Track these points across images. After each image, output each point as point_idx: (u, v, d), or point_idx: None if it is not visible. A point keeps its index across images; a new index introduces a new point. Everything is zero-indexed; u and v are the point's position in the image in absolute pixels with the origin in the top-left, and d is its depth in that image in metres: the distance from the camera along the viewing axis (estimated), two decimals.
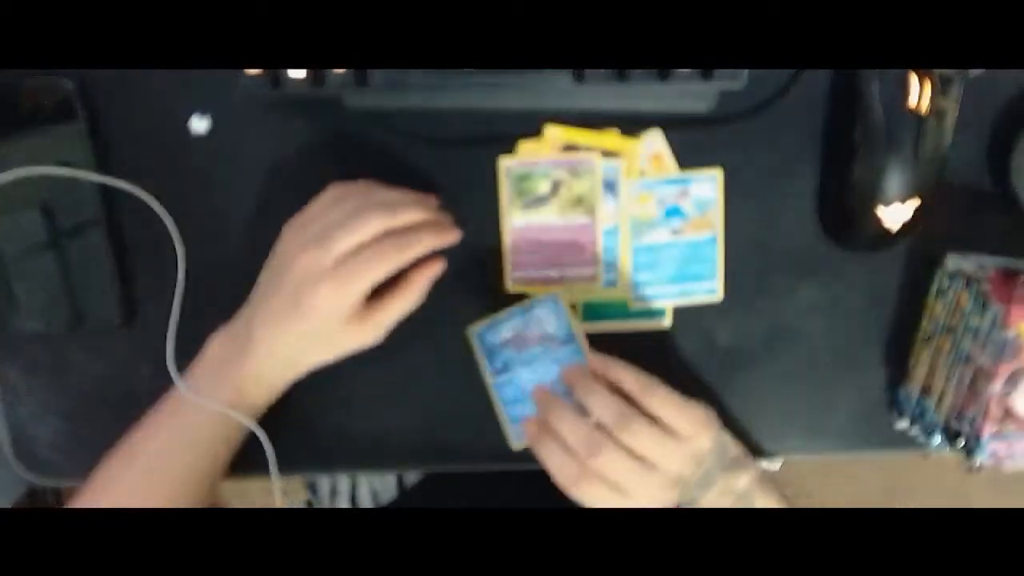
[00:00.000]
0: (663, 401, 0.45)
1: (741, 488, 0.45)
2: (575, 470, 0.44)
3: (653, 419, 0.45)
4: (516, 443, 0.51)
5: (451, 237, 0.46)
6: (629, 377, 0.46)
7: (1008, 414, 0.47)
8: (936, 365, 0.50)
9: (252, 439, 0.54)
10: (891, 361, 0.53)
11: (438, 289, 0.51)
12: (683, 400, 0.45)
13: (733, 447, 0.47)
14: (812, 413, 0.54)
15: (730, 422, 0.54)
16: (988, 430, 0.47)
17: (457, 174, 0.50)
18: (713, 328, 0.52)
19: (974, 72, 0.48)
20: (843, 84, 0.48)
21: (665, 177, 0.50)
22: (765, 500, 0.46)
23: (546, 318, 0.49)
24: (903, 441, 0.53)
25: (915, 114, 0.45)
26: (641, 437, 0.44)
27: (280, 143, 0.50)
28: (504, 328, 0.50)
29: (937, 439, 0.50)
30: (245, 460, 0.54)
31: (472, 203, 0.50)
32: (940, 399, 0.50)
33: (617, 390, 0.46)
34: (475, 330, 0.51)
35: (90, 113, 0.48)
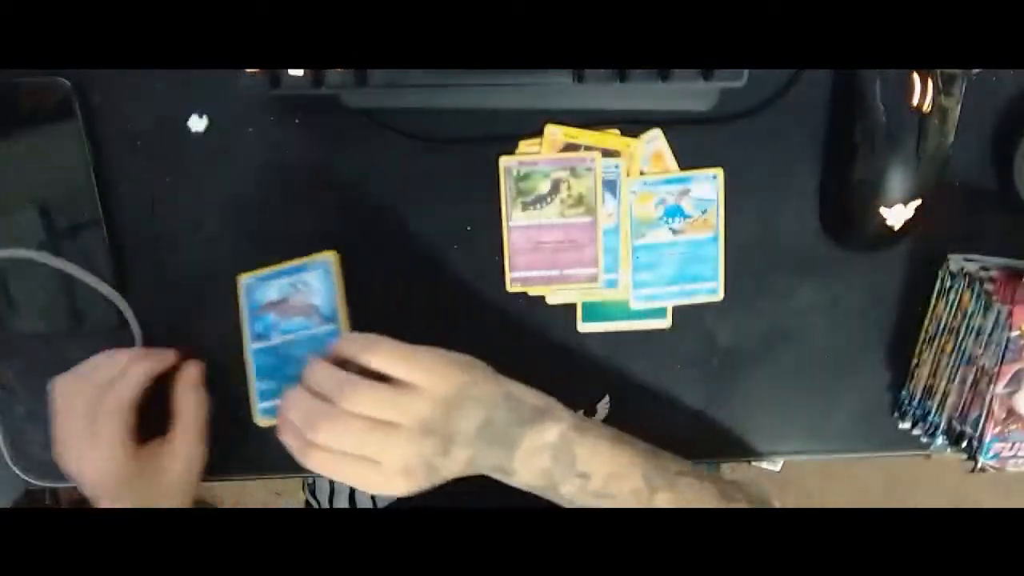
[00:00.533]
0: (387, 357, 0.42)
1: (552, 440, 0.42)
2: (302, 445, 0.42)
3: (385, 379, 0.42)
4: (260, 419, 0.50)
5: (165, 359, 0.50)
6: (353, 345, 0.43)
7: (1011, 415, 0.47)
8: (938, 366, 0.50)
9: (250, 440, 0.54)
10: (893, 362, 0.53)
11: (439, 291, 0.51)
12: (410, 349, 0.42)
13: (532, 397, 0.43)
14: (813, 414, 0.54)
15: (731, 422, 0.54)
16: (991, 431, 0.47)
17: (457, 174, 0.50)
18: (713, 328, 0.52)
19: (976, 71, 0.48)
20: (844, 84, 0.48)
21: (665, 176, 0.49)
22: (587, 448, 0.42)
23: (315, 286, 0.48)
24: (905, 442, 0.53)
25: (917, 113, 0.45)
26: (365, 400, 0.41)
27: (279, 143, 0.49)
28: (272, 287, 0.48)
29: (939, 440, 0.50)
30: (245, 460, 0.54)
31: (472, 203, 0.50)
32: (942, 400, 0.49)
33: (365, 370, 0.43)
34: (244, 280, 0.49)
35: (88, 113, 0.48)
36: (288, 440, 0.43)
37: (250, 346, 0.49)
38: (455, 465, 0.42)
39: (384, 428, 0.41)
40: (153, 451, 0.48)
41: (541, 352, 0.52)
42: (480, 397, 0.42)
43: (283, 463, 0.53)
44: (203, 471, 0.50)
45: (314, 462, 0.42)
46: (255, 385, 0.50)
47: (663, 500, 0.42)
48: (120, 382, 0.47)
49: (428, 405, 0.41)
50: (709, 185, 0.49)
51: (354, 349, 0.43)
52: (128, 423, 0.47)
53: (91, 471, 0.47)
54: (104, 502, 0.47)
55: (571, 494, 0.43)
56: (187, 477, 0.49)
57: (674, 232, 0.50)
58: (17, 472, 0.54)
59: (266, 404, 0.50)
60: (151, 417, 0.48)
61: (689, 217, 0.50)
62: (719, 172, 0.49)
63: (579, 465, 0.42)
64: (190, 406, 0.50)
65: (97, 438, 0.46)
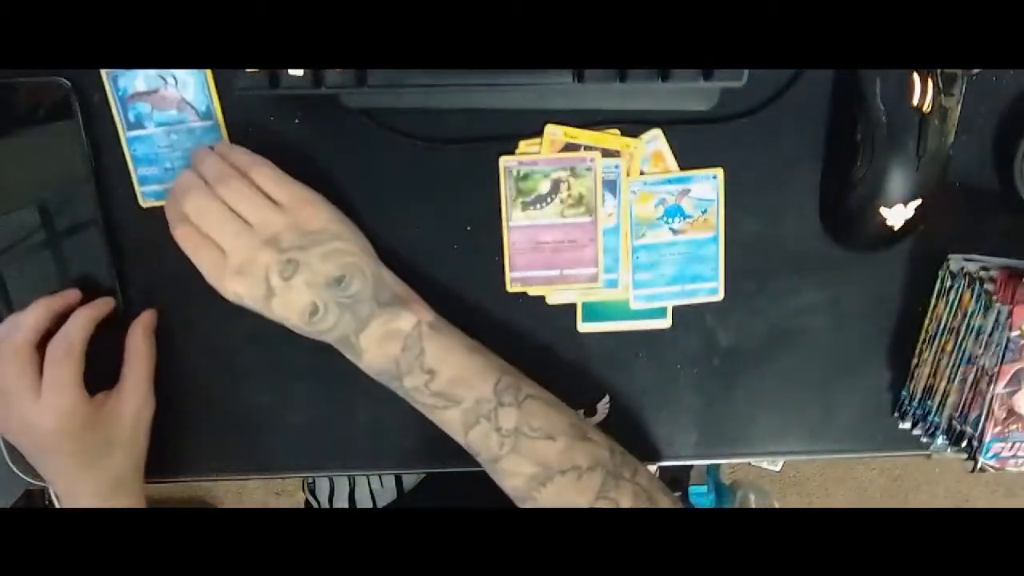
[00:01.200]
0: (272, 176, 0.45)
1: (406, 328, 0.43)
2: (174, 214, 0.45)
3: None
4: (143, 201, 0.50)
5: (103, 306, 0.49)
6: (242, 156, 0.45)
7: (1011, 415, 0.47)
8: (939, 366, 0.50)
9: (251, 440, 0.54)
10: (893, 362, 0.53)
11: (439, 291, 0.51)
12: (289, 178, 0.45)
13: (398, 285, 0.46)
14: (814, 414, 0.54)
15: (731, 422, 0.54)
16: (991, 431, 0.47)
17: (456, 174, 0.50)
18: (714, 328, 0.52)
19: (976, 71, 0.48)
20: (844, 84, 0.48)
21: (666, 176, 0.49)
22: (440, 346, 0.44)
23: (186, 81, 0.48)
24: (905, 442, 0.53)
25: (917, 113, 0.45)
26: (238, 195, 0.43)
27: (278, 142, 0.49)
28: (137, 77, 0.48)
29: (940, 440, 0.50)
30: (245, 460, 0.54)
31: (472, 203, 0.50)
32: (943, 400, 0.49)
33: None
34: (108, 70, 0.48)
35: (88, 113, 0.48)
36: (167, 213, 0.46)
37: (126, 134, 0.48)
38: (292, 298, 0.43)
39: (240, 222, 0.43)
40: (104, 400, 0.48)
41: (541, 352, 0.52)
42: (344, 252, 0.44)
43: (283, 463, 0.54)
44: (152, 420, 0.50)
45: (178, 232, 0.45)
46: (136, 174, 0.49)
47: (507, 416, 0.43)
48: (68, 329, 0.47)
49: (289, 225, 0.44)
50: (709, 185, 0.49)
51: (243, 160, 0.45)
52: (80, 367, 0.46)
53: (48, 419, 0.45)
54: (54, 455, 0.47)
55: (414, 388, 0.44)
56: (139, 425, 0.49)
57: (674, 232, 0.50)
58: (17, 472, 0.54)
59: (147, 188, 0.50)
60: (94, 367, 0.48)
61: (689, 217, 0.50)
62: (719, 172, 0.49)
63: (428, 360, 0.43)
64: (141, 353, 0.49)
65: (54, 385, 0.45)
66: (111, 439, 0.47)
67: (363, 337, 0.43)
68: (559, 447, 0.43)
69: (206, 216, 0.44)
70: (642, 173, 0.49)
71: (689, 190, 0.49)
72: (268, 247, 0.43)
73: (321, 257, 0.43)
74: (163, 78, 0.48)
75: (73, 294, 0.49)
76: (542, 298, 0.51)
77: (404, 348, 0.43)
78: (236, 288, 0.44)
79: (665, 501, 0.44)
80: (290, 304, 0.43)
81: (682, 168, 0.50)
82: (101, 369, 0.48)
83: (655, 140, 0.49)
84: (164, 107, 0.48)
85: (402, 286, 0.46)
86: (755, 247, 0.51)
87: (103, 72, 0.48)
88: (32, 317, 0.47)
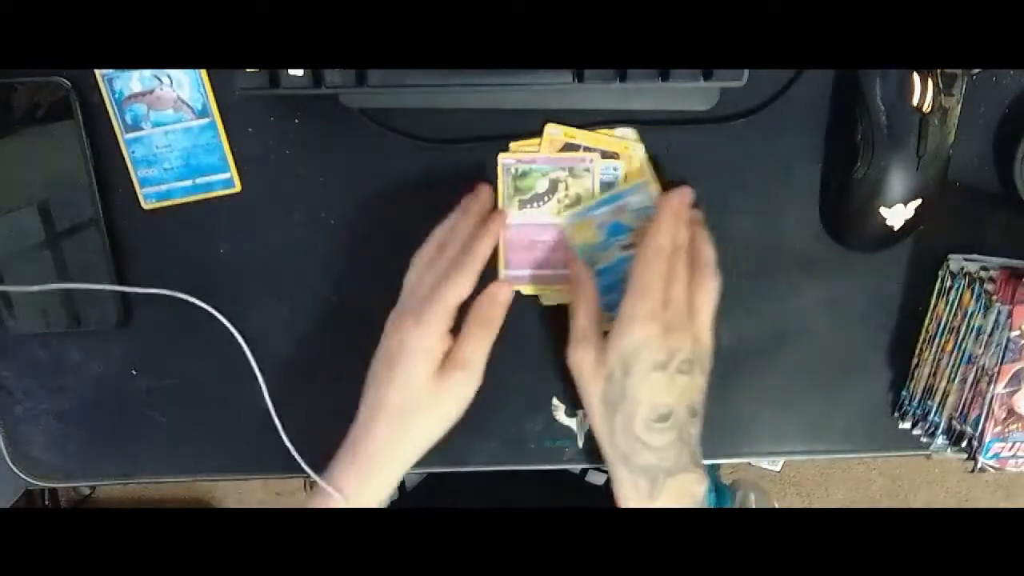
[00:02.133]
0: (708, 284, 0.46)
1: (700, 495, 0.45)
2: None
3: None
4: (144, 203, 0.49)
5: (500, 220, 0.48)
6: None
7: (1011, 415, 0.47)
8: (939, 366, 0.50)
9: (251, 440, 0.54)
10: (894, 361, 0.53)
11: None
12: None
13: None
14: (814, 414, 0.54)
15: (731, 422, 0.54)
16: (991, 431, 0.47)
17: (456, 174, 0.50)
18: (714, 328, 0.52)
19: (976, 71, 0.48)
20: (844, 83, 0.48)
21: (596, 201, 0.49)
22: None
23: (181, 79, 0.47)
24: (906, 442, 0.53)
25: (917, 113, 0.45)
26: (684, 275, 0.45)
27: (278, 142, 0.49)
28: (133, 75, 0.47)
29: (940, 440, 0.50)
30: (245, 460, 0.54)
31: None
32: (943, 400, 0.49)
33: None
34: (104, 72, 0.48)
35: (88, 113, 0.48)
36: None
37: (124, 136, 0.48)
38: (666, 388, 0.43)
39: (672, 309, 0.44)
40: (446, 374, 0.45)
41: (540, 352, 0.52)
42: (705, 393, 0.45)
43: (283, 463, 0.53)
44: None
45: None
46: (136, 175, 0.48)
47: None
48: (494, 316, 0.46)
49: (703, 339, 0.45)
50: (642, 193, 0.49)
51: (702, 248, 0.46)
52: (448, 325, 0.45)
53: (413, 354, 0.44)
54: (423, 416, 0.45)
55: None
56: (457, 395, 0.46)
57: (623, 248, 0.50)
58: (17, 472, 0.54)
59: (148, 190, 0.49)
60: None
61: (633, 229, 0.49)
62: (647, 179, 0.49)
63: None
64: (493, 325, 0.47)
65: (423, 326, 0.44)
66: (451, 416, 0.46)
67: (670, 482, 0.43)
68: None
69: (667, 273, 0.44)
70: (568, 206, 0.49)
71: (624, 204, 0.49)
72: (689, 336, 0.44)
73: (699, 382, 0.44)
74: (158, 78, 0.48)
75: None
76: (537, 297, 0.51)
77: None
78: (665, 343, 0.43)
79: None
80: (657, 390, 0.43)
81: (682, 169, 0.50)
82: None
83: (638, 148, 0.49)
84: (160, 107, 0.48)
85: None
86: (755, 247, 0.51)
87: (98, 74, 0.48)
88: (469, 281, 0.45)
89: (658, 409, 0.42)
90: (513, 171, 0.49)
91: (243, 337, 0.51)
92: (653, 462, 0.43)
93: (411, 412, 0.45)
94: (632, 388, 0.43)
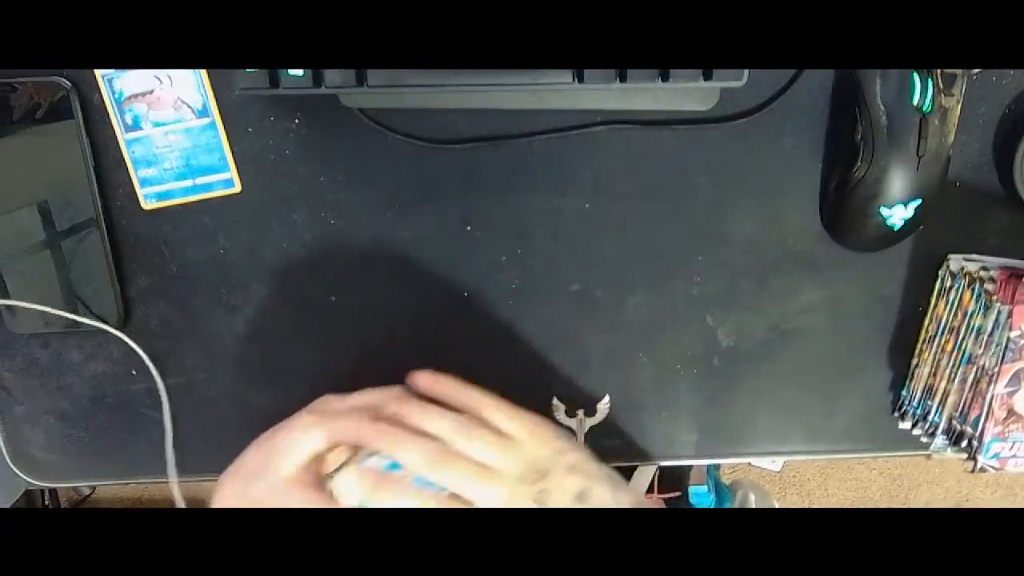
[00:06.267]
0: (499, 411, 0.43)
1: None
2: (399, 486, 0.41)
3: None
4: (144, 203, 0.49)
5: None
6: (469, 394, 0.44)
7: (1011, 414, 0.47)
8: (939, 366, 0.50)
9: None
10: (894, 361, 0.53)
11: (439, 291, 0.51)
12: (513, 407, 0.44)
13: (624, 483, 0.44)
14: (814, 414, 0.54)
15: (731, 422, 0.54)
16: (991, 431, 0.47)
17: (456, 174, 0.50)
18: (714, 328, 0.52)
19: (976, 71, 0.48)
20: (844, 83, 0.48)
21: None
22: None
23: (181, 79, 0.47)
24: (906, 442, 0.53)
25: (917, 113, 0.45)
26: (477, 443, 0.42)
27: (278, 142, 0.49)
28: (132, 76, 0.47)
29: (940, 440, 0.50)
30: None
31: (471, 203, 0.50)
32: (943, 400, 0.49)
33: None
34: (104, 72, 0.47)
35: (88, 113, 0.48)
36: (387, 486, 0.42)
37: (124, 136, 0.48)
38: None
39: (488, 473, 0.41)
40: None
41: (541, 352, 0.52)
42: (576, 467, 0.43)
43: None
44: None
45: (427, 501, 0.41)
46: (136, 176, 0.48)
47: None
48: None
49: (528, 456, 0.42)
50: None
51: (471, 399, 0.44)
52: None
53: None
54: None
55: None
56: None
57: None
58: (17, 472, 0.54)
59: (148, 190, 0.49)
60: None
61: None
62: None
63: None
64: None
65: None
66: None
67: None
68: None
69: (459, 478, 0.41)
70: None
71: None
72: (521, 485, 0.41)
73: (561, 477, 0.42)
74: (158, 78, 0.48)
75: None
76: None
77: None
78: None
79: None
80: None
81: (682, 169, 0.50)
82: None
83: None
84: (160, 107, 0.48)
85: (630, 487, 0.45)
86: (755, 247, 0.51)
87: (98, 74, 0.48)
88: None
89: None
90: None
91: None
92: None
93: None
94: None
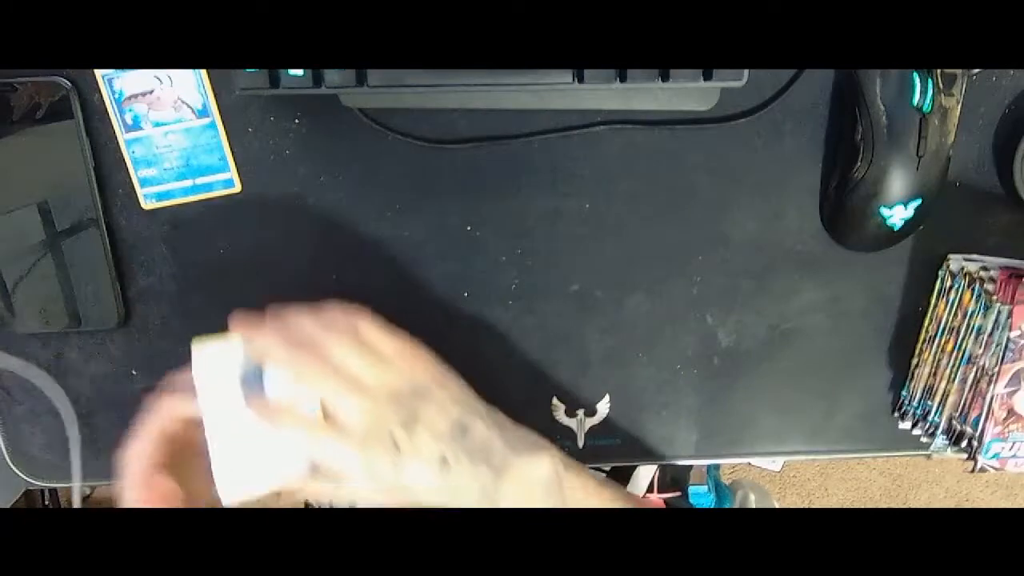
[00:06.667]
0: (374, 328, 0.42)
1: (546, 474, 0.41)
2: (268, 410, 0.40)
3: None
4: (144, 203, 0.49)
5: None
6: (340, 315, 0.42)
7: (1011, 415, 0.47)
8: (939, 366, 0.50)
9: None
10: (894, 361, 0.53)
11: (439, 291, 0.51)
12: (391, 331, 0.43)
13: (519, 429, 0.43)
14: (814, 414, 0.54)
15: (731, 422, 0.54)
16: (991, 431, 0.47)
17: (456, 174, 0.50)
18: (714, 328, 0.52)
19: (976, 71, 0.48)
20: (844, 83, 0.48)
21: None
22: (577, 487, 0.42)
23: (180, 79, 0.47)
24: (906, 442, 0.53)
25: (917, 113, 0.45)
26: (349, 353, 0.41)
27: (278, 142, 0.49)
28: (132, 76, 0.46)
29: (940, 440, 0.50)
30: None
31: (471, 202, 0.50)
32: (943, 400, 0.49)
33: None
34: (104, 72, 0.47)
35: (88, 113, 0.48)
36: (258, 410, 0.40)
37: (124, 136, 0.47)
38: (420, 452, 0.40)
39: (355, 386, 0.40)
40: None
41: (541, 352, 0.52)
42: (457, 399, 0.42)
43: None
44: None
45: (285, 419, 0.40)
46: (136, 176, 0.48)
47: None
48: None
49: (403, 378, 0.41)
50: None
51: (339, 314, 0.42)
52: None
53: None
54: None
55: None
56: None
57: None
58: (17, 472, 0.54)
59: (148, 190, 0.49)
60: None
61: None
62: None
63: (568, 502, 0.41)
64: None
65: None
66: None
67: (503, 489, 0.41)
68: None
69: (322, 385, 0.40)
70: None
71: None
72: (389, 405, 0.40)
73: (438, 406, 0.41)
74: (158, 79, 0.48)
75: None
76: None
77: (546, 494, 0.41)
78: (364, 459, 0.40)
79: None
80: (419, 460, 0.40)
81: (682, 169, 0.50)
82: None
83: None
84: (160, 108, 0.48)
85: (522, 427, 0.43)
86: (755, 247, 0.51)
87: (98, 74, 0.48)
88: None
89: (433, 464, 0.40)
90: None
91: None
92: (478, 491, 0.41)
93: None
94: (406, 477, 0.40)
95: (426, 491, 0.41)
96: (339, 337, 0.41)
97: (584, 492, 0.42)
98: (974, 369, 0.47)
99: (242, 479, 0.41)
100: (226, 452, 0.40)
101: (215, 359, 0.41)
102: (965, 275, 0.49)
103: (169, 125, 0.49)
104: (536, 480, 0.41)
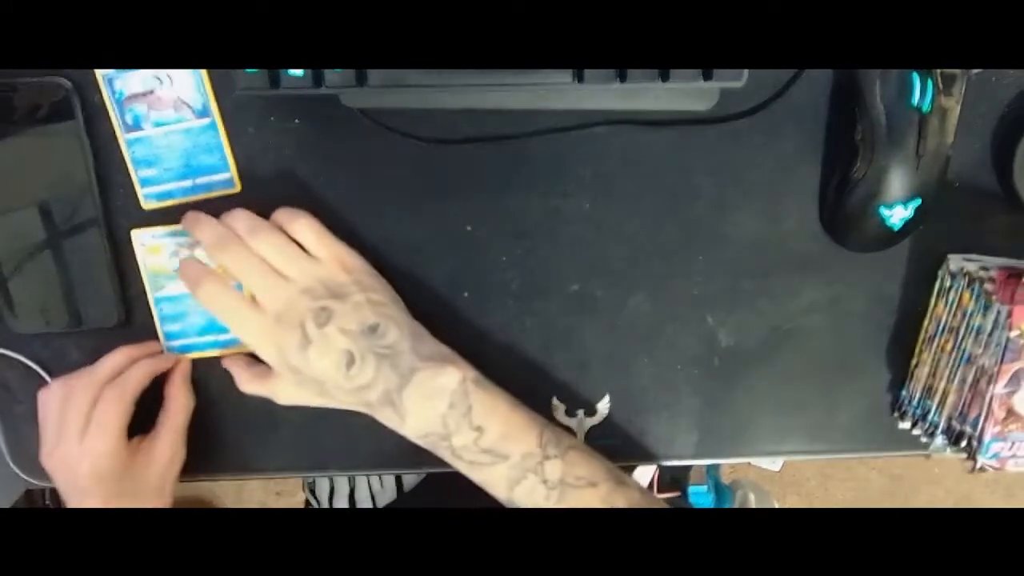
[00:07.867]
0: (307, 227, 0.46)
1: (452, 385, 0.43)
2: (198, 272, 0.45)
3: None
4: (145, 203, 0.49)
5: (166, 360, 0.50)
6: (282, 212, 0.46)
7: (1011, 415, 0.47)
8: (938, 365, 0.50)
9: (251, 440, 0.54)
10: (893, 361, 0.53)
11: (438, 291, 0.51)
12: (328, 232, 0.46)
13: (433, 341, 0.45)
14: (813, 414, 0.54)
15: (731, 422, 0.54)
16: (990, 431, 0.47)
17: (456, 174, 0.50)
18: (714, 328, 0.52)
19: (976, 71, 0.48)
20: (844, 83, 0.48)
21: (174, 229, 0.49)
22: (486, 403, 0.43)
23: (181, 79, 0.48)
24: (905, 442, 0.53)
25: (917, 113, 0.45)
26: (272, 245, 0.44)
27: (278, 142, 0.49)
28: (133, 76, 0.47)
29: (939, 440, 0.50)
30: (245, 460, 0.54)
31: (471, 203, 0.50)
32: (942, 400, 0.49)
33: None
34: (104, 73, 0.48)
35: (88, 113, 0.48)
36: (189, 270, 0.46)
37: (124, 136, 0.48)
38: (328, 346, 0.42)
39: (276, 274, 0.44)
40: (139, 446, 0.48)
41: (541, 352, 0.52)
42: (377, 303, 0.44)
43: (283, 463, 0.54)
44: (181, 471, 0.50)
45: (208, 289, 0.44)
46: (136, 176, 0.49)
47: (552, 468, 0.43)
48: (125, 375, 0.47)
49: (324, 275, 0.44)
50: None
51: (279, 216, 0.46)
52: (127, 415, 0.47)
53: (86, 462, 0.46)
54: (86, 497, 0.47)
55: (463, 447, 0.43)
56: (168, 474, 0.49)
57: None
58: (17, 472, 0.54)
59: (148, 190, 0.49)
60: (137, 413, 0.48)
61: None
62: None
63: (475, 418, 0.43)
64: (179, 403, 0.50)
65: (98, 428, 0.46)
66: (138, 487, 0.48)
67: (407, 394, 0.42)
68: (601, 493, 0.43)
69: (244, 269, 0.44)
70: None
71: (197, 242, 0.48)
72: (304, 296, 0.43)
73: (354, 306, 0.43)
74: (158, 79, 0.48)
75: (154, 346, 0.50)
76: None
77: (451, 405, 0.42)
78: (273, 340, 0.43)
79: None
80: (326, 352, 0.42)
81: (682, 169, 0.50)
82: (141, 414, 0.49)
83: None
84: (160, 108, 0.48)
85: (440, 344, 0.45)
86: (755, 247, 0.51)
87: (98, 74, 0.48)
88: (109, 362, 0.48)
89: (339, 358, 0.42)
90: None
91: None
92: (380, 392, 0.43)
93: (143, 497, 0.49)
94: (311, 368, 0.43)
95: (334, 386, 0.43)
96: (270, 232, 0.45)
97: (492, 409, 0.43)
98: (973, 369, 0.47)
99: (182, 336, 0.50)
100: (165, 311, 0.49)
101: (159, 238, 0.49)
102: (964, 275, 0.49)
103: (169, 125, 0.49)
104: (439, 389, 0.42)
